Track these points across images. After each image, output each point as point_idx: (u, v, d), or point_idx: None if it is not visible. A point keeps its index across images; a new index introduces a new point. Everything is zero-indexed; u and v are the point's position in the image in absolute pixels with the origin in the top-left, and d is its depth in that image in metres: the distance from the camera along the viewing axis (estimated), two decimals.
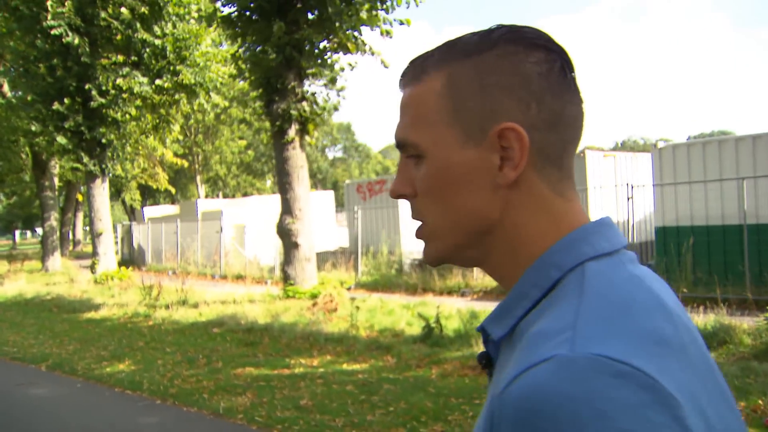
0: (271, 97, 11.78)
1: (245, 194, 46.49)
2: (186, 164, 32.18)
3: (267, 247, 22.00)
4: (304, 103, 11.81)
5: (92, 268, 18.71)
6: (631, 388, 0.52)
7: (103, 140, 18.17)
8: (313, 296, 11.23)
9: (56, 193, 27.91)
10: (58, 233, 26.74)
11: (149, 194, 51.38)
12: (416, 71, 0.75)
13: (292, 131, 11.73)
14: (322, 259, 18.96)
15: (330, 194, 28.37)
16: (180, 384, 6.53)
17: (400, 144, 0.76)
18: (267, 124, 12.55)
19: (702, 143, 10.57)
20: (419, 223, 0.77)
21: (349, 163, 77.83)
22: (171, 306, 11.80)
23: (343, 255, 17.14)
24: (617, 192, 12.62)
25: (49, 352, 8.62)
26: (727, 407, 0.63)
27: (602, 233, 0.70)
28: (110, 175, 19.26)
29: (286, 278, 11.80)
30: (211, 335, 9.23)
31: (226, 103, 21.03)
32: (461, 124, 0.71)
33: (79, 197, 45.55)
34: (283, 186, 11.77)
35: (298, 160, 11.83)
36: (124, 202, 54.09)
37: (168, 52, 17.89)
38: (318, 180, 68.63)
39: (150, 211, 30.19)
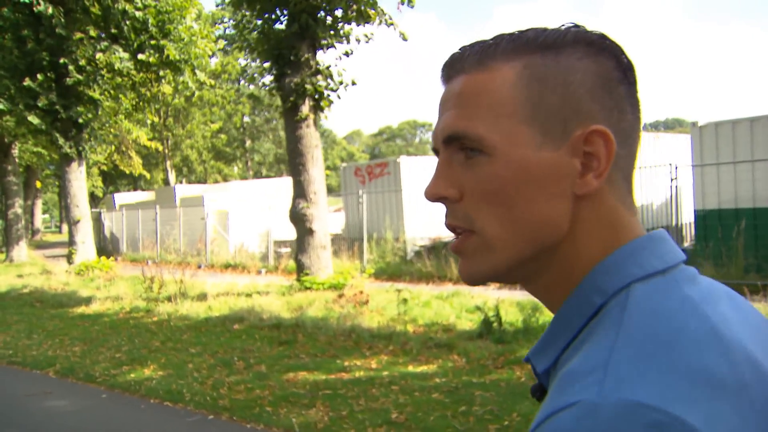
0: (283, 71, 10.78)
1: (216, 181, 44.90)
2: (160, 147, 30.62)
3: (252, 234, 20.95)
4: (319, 77, 10.84)
5: (69, 258, 17.38)
6: None
7: (80, 120, 16.79)
8: (333, 287, 10.36)
9: (20, 178, 26.14)
10: (23, 221, 25.09)
11: (110, 181, 49.35)
12: (479, 57, 0.64)
13: (306, 107, 10.76)
14: None
15: None
16: (228, 393, 5.60)
17: (454, 137, 0.64)
18: (264, 101, 11.53)
19: (749, 121, 9.99)
20: (468, 230, 0.64)
21: None
22: (173, 299, 10.76)
23: (344, 242, 16.23)
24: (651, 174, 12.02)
25: (53, 355, 7.55)
26: None
27: (653, 249, 0.61)
28: (87, 158, 17.91)
29: (299, 268, 10.88)
30: (234, 333, 8.28)
31: (212, 82, 19.77)
32: (540, 122, 0.62)
33: (38, 184, 43.40)
34: (296, 167, 10.81)
35: (312, 139, 10.87)
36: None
37: (150, 26, 16.58)
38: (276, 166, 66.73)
39: (122, 198, 28.65)
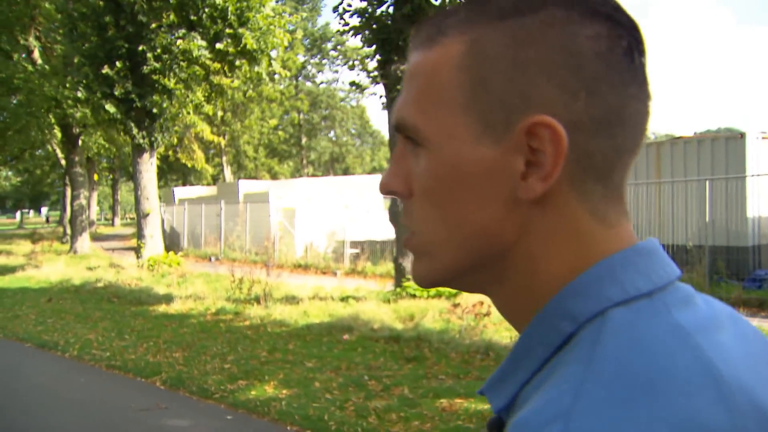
0: (389, 57, 9.90)
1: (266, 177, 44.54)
2: (223, 142, 30.26)
3: (319, 233, 20.22)
4: None
5: (138, 251, 16.88)
6: None
7: (154, 110, 16.27)
8: (440, 294, 9.43)
9: (85, 169, 25.95)
10: (86, 213, 24.91)
11: (159, 175, 49.50)
12: (431, 31, 0.54)
13: None
14: (384, 248, 17.18)
15: (378, 178, 26.53)
16: (380, 424, 4.71)
17: (398, 125, 0.56)
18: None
19: None
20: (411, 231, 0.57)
21: (361, 149, 75.53)
22: (261, 301, 9.99)
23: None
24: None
25: (154, 361, 6.80)
26: None
27: (638, 266, 0.50)
28: (159, 148, 17.42)
29: (399, 272, 9.98)
30: (346, 344, 7.41)
31: (287, 73, 19.11)
32: (479, 111, 0.51)
33: (95, 176, 43.71)
34: None
35: None
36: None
37: (229, 13, 15.95)
38: (329, 165, 66.21)
39: (182, 192, 28.32)
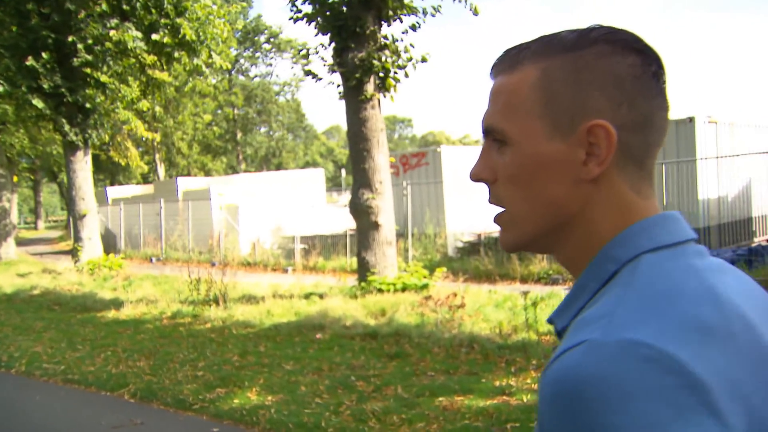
0: (346, 44, 9.55)
1: (196, 176, 43.11)
2: (158, 138, 28.98)
3: (265, 229, 19.67)
4: (387, 52, 9.67)
5: (74, 255, 15.90)
6: (657, 372, 0.54)
7: (87, 105, 15.34)
8: (406, 288, 9.22)
9: (7, 170, 24.34)
10: (9, 216, 23.39)
11: None
12: (511, 61, 0.74)
13: (371, 86, 9.58)
14: (336, 243, 16.85)
15: (320, 172, 26.10)
16: (383, 429, 4.44)
17: (487, 129, 0.75)
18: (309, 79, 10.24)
19: None
20: (499, 209, 0.77)
21: (294, 144, 74.05)
22: (220, 302, 9.51)
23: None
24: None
25: (117, 372, 6.27)
26: None
27: (664, 226, 0.69)
28: (95, 145, 16.44)
29: (363, 266, 9.68)
30: (322, 343, 7.09)
31: (228, 65, 18.40)
32: (551, 117, 0.71)
33: (15, 178, 41.23)
34: (359, 153, 9.62)
35: (377, 121, 9.70)
36: (59, 185, 49.62)
37: (165, 2, 15.17)
38: (263, 161, 64.86)
39: (115, 192, 27.01)
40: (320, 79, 10.00)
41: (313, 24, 9.91)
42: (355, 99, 9.59)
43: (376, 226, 9.59)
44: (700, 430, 0.52)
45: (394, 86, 9.84)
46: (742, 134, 12.31)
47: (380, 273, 9.55)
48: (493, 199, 0.76)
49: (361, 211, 9.64)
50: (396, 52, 9.80)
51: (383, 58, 9.57)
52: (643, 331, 0.56)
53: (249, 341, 7.41)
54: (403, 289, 9.23)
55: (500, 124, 0.73)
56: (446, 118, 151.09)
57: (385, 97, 9.81)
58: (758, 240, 12.76)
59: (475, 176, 0.76)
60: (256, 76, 42.81)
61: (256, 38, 41.41)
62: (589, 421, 0.53)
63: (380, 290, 9.15)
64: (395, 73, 9.77)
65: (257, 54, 42.19)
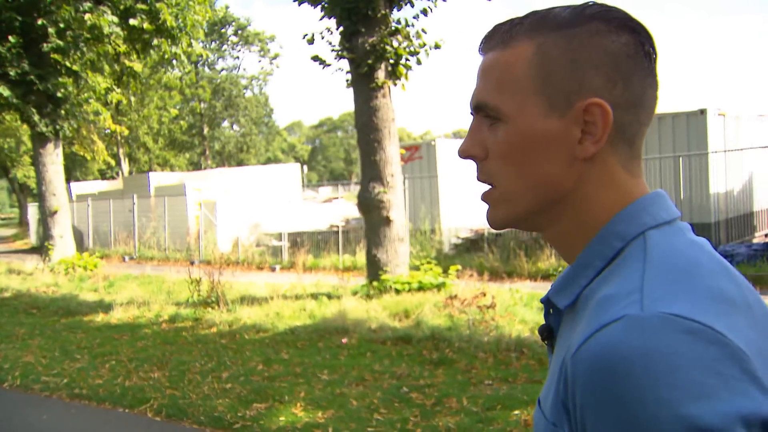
0: (356, 28, 8.98)
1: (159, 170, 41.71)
2: (126, 131, 27.73)
3: (244, 226, 18.90)
4: (399, 37, 9.12)
5: (46, 254, 14.91)
6: (701, 344, 0.54)
7: (58, 94, 14.36)
8: (423, 288, 8.71)
9: None
10: None
11: None
12: (504, 37, 0.73)
13: (382, 73, 9.02)
14: (326, 240, 16.25)
15: (296, 167, 25.37)
16: None
17: (479, 106, 0.74)
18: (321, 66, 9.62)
19: None
20: (491, 184, 0.75)
21: (256, 140, 72.29)
22: (221, 304, 8.85)
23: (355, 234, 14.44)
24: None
25: (132, 386, 5.58)
26: None
27: (660, 204, 0.70)
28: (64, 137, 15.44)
29: (374, 264, 9.13)
30: (351, 349, 6.53)
31: (208, 53, 17.55)
32: (547, 94, 0.70)
33: None
34: (370, 145, 9.05)
35: (389, 111, 9.14)
36: (11, 181, 47.47)
37: None
38: (226, 157, 63.35)
39: (79, 187, 25.72)
40: (328, 65, 9.38)
41: (319, 7, 9.31)
42: (365, 87, 9.02)
43: (387, 221, 9.06)
44: (746, 398, 0.53)
45: (405, 74, 9.31)
46: (745, 128, 12.17)
47: (392, 271, 9.01)
48: (483, 176, 0.75)
49: (371, 205, 9.08)
50: (408, 38, 9.27)
51: (395, 44, 9.03)
52: (678, 304, 0.57)
53: (267, 347, 6.80)
54: (419, 289, 8.72)
55: (494, 101, 0.72)
56: (433, 117, 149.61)
57: (395, 85, 9.27)
58: (759, 235, 12.67)
59: (465, 153, 0.75)
60: (223, 69, 41.61)
61: (222, 30, 40.24)
62: (639, 395, 0.53)
63: (397, 290, 8.61)
64: (407, 59, 9.24)
65: (224, 47, 41.00)
